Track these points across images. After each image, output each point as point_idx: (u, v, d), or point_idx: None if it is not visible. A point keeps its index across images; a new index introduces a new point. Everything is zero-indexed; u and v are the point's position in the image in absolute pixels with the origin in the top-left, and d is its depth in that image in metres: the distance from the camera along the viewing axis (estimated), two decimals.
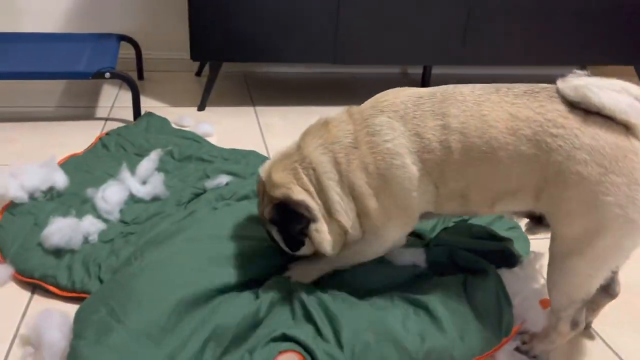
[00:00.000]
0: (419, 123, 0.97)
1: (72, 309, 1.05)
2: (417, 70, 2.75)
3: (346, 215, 1.02)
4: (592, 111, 0.89)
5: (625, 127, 0.88)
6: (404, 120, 0.98)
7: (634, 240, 0.91)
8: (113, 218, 1.31)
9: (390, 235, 1.06)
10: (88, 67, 1.94)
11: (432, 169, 0.97)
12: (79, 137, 1.83)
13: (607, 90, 0.88)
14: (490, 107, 0.94)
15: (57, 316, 0.97)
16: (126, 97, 2.15)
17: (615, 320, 1.15)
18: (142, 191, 1.38)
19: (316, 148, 1.02)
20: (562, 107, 0.91)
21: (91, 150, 1.70)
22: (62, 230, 1.19)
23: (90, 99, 2.22)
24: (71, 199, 1.38)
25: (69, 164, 1.57)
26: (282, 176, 1.03)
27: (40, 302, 1.08)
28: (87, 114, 2.08)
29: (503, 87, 0.97)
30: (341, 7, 2.06)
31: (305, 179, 1.02)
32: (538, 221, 1.05)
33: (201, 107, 2.17)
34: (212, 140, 1.86)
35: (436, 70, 2.68)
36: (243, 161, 1.66)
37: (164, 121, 1.94)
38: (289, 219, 1.03)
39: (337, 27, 2.08)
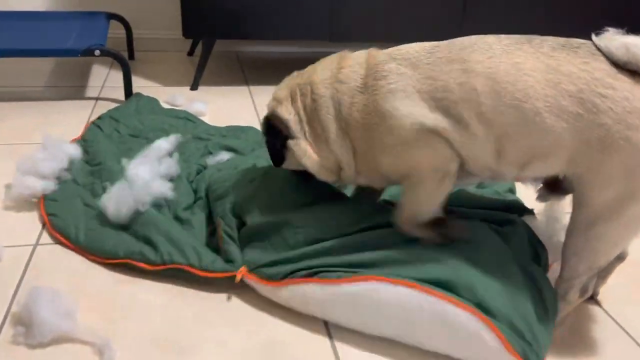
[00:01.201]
0: (433, 68, 0.93)
1: (64, 286, 1.02)
2: None
3: (341, 149, 1.01)
4: (638, 72, 0.84)
5: None
6: (414, 66, 0.95)
7: None
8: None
9: (429, 166, 0.97)
10: (77, 44, 1.89)
11: (450, 107, 0.91)
12: (69, 116, 1.79)
13: None
14: (524, 57, 0.89)
15: (47, 293, 0.94)
16: (117, 77, 2.10)
17: (624, 297, 1.12)
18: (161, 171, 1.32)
19: (323, 80, 1.02)
20: (607, 67, 0.85)
21: (88, 133, 1.63)
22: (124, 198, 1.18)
23: (80, 78, 2.17)
24: (98, 175, 1.35)
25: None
26: (280, 93, 1.08)
27: (32, 280, 1.05)
28: (77, 93, 2.03)
29: (535, 38, 0.91)
30: None
31: (299, 103, 1.05)
32: (553, 187, 1.01)
33: (194, 87, 2.13)
34: (205, 119, 1.82)
35: None
36: (242, 136, 1.62)
37: (154, 101, 1.89)
38: (271, 132, 1.09)
39: (332, 4, 2.04)
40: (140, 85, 2.10)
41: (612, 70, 0.85)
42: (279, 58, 2.61)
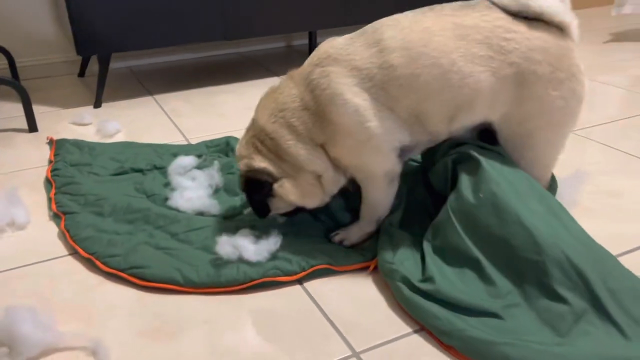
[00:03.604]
0: (354, 57, 1.01)
1: (33, 303, 1.00)
2: (303, 41, 2.83)
3: (316, 161, 1.07)
4: (529, 18, 0.99)
5: (559, 29, 0.99)
6: (338, 62, 1.02)
7: (570, 127, 1.06)
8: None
9: (376, 171, 1.08)
10: None
11: (378, 94, 1.00)
12: None
13: None
14: (431, 21, 0.99)
15: (23, 310, 0.92)
16: (7, 107, 2.02)
17: None
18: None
19: (268, 118, 1.07)
20: (505, 16, 0.99)
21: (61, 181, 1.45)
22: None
23: None
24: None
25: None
26: (244, 149, 1.11)
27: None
28: None
29: (436, 6, 1.03)
30: None
31: (264, 149, 1.08)
32: (487, 135, 1.11)
33: (97, 104, 2.08)
34: (122, 135, 1.81)
35: (322, 39, 2.77)
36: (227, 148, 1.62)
37: (87, 143, 1.69)
38: (255, 187, 1.10)
39: (223, 2, 2.09)
40: (40, 111, 2.03)
41: (509, 19, 0.99)
42: (174, 66, 2.61)
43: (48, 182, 1.47)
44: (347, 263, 1.10)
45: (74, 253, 1.18)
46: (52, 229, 1.28)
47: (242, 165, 1.11)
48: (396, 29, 1.00)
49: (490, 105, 1.03)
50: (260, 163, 1.08)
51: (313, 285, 1.06)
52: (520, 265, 0.95)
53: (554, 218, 0.99)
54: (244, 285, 1.05)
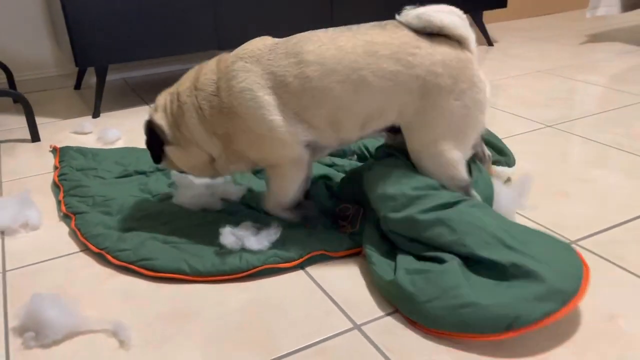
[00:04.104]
0: (273, 63, 1.08)
1: (56, 292, 1.07)
2: None
3: (210, 146, 1.16)
4: (433, 34, 1.08)
5: (458, 42, 1.08)
6: (259, 62, 1.09)
7: (476, 132, 1.14)
8: None
9: (281, 161, 1.15)
10: None
11: (290, 100, 1.08)
12: None
13: (442, 12, 1.07)
14: (346, 39, 1.08)
15: (47, 297, 0.99)
16: (8, 119, 2.09)
17: None
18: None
19: (185, 89, 1.16)
20: (411, 34, 1.08)
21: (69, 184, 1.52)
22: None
23: None
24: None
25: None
26: (161, 98, 1.21)
27: (19, 296, 1.08)
28: None
29: (354, 26, 1.11)
30: None
31: (169, 111, 1.18)
32: (394, 131, 1.18)
33: (96, 114, 2.15)
34: (123, 142, 1.88)
35: None
36: None
37: (86, 149, 1.77)
38: (148, 135, 1.22)
39: (215, 12, 2.18)
40: (41, 122, 2.10)
41: (415, 36, 1.07)
42: (168, 76, 2.69)
43: (56, 187, 1.54)
44: (341, 249, 1.18)
45: (85, 249, 1.25)
46: (64, 228, 1.35)
47: (151, 108, 1.22)
48: (315, 44, 1.08)
49: (399, 113, 1.11)
50: (160, 120, 1.18)
51: (312, 269, 1.14)
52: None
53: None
54: (247, 272, 1.12)
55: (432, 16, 1.06)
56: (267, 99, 1.08)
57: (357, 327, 0.97)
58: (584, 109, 2.00)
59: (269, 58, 1.09)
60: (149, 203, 1.40)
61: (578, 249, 1.15)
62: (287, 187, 1.21)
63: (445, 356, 0.90)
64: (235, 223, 1.23)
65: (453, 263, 0.99)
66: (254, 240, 1.17)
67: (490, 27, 3.50)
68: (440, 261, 1.02)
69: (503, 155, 1.44)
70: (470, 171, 1.20)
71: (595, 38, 3.11)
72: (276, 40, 1.15)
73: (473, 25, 3.25)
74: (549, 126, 1.85)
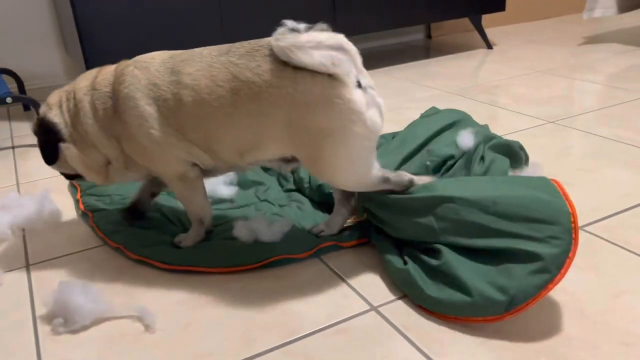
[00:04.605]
0: (159, 76, 1.07)
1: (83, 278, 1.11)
2: None
3: (107, 147, 1.14)
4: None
5: (329, 75, 0.97)
6: (147, 72, 1.08)
7: (365, 158, 1.06)
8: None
9: (166, 174, 1.16)
10: None
11: (169, 115, 1.07)
12: None
13: (305, 48, 0.96)
14: (219, 69, 1.03)
15: (74, 285, 1.03)
16: (20, 126, 2.13)
17: None
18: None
19: (82, 88, 1.14)
20: (274, 67, 0.99)
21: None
22: None
23: None
24: None
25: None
26: (54, 96, 1.18)
27: (44, 287, 1.12)
28: None
29: (233, 46, 1.05)
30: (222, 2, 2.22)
31: (65, 107, 1.15)
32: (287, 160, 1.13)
33: None
34: None
35: None
36: None
37: None
38: (42, 133, 1.17)
39: (222, 19, 2.23)
40: None
41: (277, 71, 0.99)
42: None
43: (73, 187, 1.58)
44: (351, 239, 1.22)
45: (104, 244, 1.29)
46: (82, 225, 1.38)
47: (42, 106, 1.18)
48: (195, 67, 1.05)
49: (279, 147, 1.06)
50: (55, 118, 1.15)
51: (327, 257, 1.18)
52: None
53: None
54: (262, 263, 1.15)
55: (292, 53, 0.96)
56: (149, 109, 1.07)
57: (374, 308, 1.01)
58: (583, 105, 2.05)
59: (158, 69, 1.08)
60: (164, 201, 1.43)
61: (585, 234, 1.19)
62: (187, 201, 1.20)
63: (459, 332, 0.94)
64: (247, 218, 1.27)
65: (450, 252, 1.03)
66: (266, 232, 1.21)
67: (489, 32, 3.56)
68: (438, 252, 1.05)
69: (517, 160, 1.41)
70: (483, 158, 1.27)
71: (593, 40, 3.16)
72: (173, 52, 1.12)
73: (473, 30, 3.32)
74: (551, 122, 1.89)
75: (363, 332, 0.95)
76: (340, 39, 0.99)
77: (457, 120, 1.47)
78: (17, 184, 1.66)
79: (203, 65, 1.05)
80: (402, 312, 1.00)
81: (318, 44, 0.96)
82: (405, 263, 1.07)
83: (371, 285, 1.08)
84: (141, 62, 1.11)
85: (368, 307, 1.01)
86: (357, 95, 0.99)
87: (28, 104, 1.96)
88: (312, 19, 2.43)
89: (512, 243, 0.97)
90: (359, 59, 1.02)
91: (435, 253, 1.05)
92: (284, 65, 0.99)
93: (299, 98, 0.99)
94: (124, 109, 1.09)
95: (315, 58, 0.96)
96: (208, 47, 1.09)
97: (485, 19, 3.57)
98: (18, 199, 1.41)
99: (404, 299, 1.03)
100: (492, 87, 2.37)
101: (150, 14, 2.11)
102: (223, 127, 1.05)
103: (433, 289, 0.99)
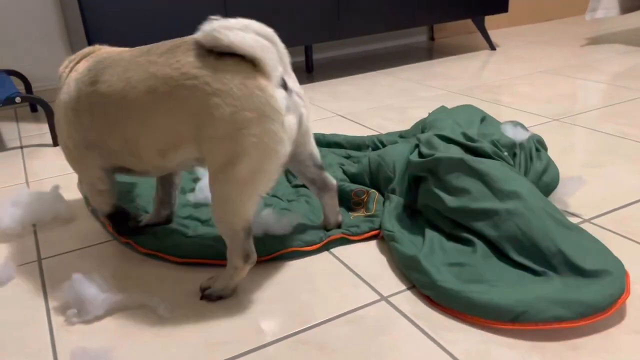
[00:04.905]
0: (82, 79, 1.08)
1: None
2: (300, 58, 2.99)
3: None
4: (225, 54, 0.93)
5: (252, 65, 0.93)
6: (75, 84, 1.09)
7: (273, 164, 0.96)
8: None
9: (84, 180, 1.20)
10: None
11: (84, 115, 1.07)
12: (4, 166, 1.82)
13: (234, 29, 0.92)
14: (135, 70, 1.00)
15: (87, 276, 1.03)
16: (28, 126, 2.15)
17: None
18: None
19: (70, 62, 1.17)
20: (195, 59, 0.94)
21: None
22: None
23: None
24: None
25: None
26: (63, 65, 1.19)
27: (56, 281, 1.12)
28: None
29: (154, 46, 1.02)
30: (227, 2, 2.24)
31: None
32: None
33: None
34: None
35: (317, 55, 2.94)
36: None
37: None
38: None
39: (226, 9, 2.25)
40: None
41: (198, 62, 0.94)
42: None
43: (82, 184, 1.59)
44: (360, 232, 1.23)
45: (114, 239, 1.30)
46: (93, 221, 1.40)
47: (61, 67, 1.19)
48: (112, 73, 1.03)
49: (197, 147, 0.99)
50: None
51: (336, 250, 1.19)
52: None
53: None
54: (272, 255, 1.16)
55: (220, 33, 0.92)
56: (66, 113, 1.10)
57: (384, 298, 1.02)
58: (587, 103, 2.06)
59: (83, 80, 1.07)
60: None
61: (593, 227, 1.20)
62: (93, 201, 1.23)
63: (470, 324, 0.95)
64: (257, 211, 1.28)
65: (480, 246, 1.05)
66: (276, 225, 1.22)
67: (492, 33, 3.58)
68: (469, 243, 1.08)
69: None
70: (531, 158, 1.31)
71: (595, 40, 3.18)
72: (105, 57, 1.08)
73: (476, 32, 3.34)
74: (555, 120, 1.90)
75: (374, 321, 0.96)
76: (271, 31, 0.96)
77: (484, 116, 1.50)
78: (27, 182, 1.68)
79: (120, 69, 1.02)
80: (413, 301, 1.00)
81: (246, 27, 0.93)
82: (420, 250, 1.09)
83: (381, 276, 1.09)
84: (75, 71, 1.11)
85: (378, 297, 1.02)
86: (279, 94, 0.94)
87: (36, 104, 1.97)
88: (316, 21, 2.46)
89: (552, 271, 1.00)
90: (287, 59, 0.99)
91: (467, 242, 1.08)
92: (206, 55, 0.94)
93: (216, 87, 0.92)
94: (57, 114, 1.14)
95: (244, 38, 0.92)
96: (135, 48, 1.06)
97: (488, 20, 3.59)
98: (29, 195, 1.42)
99: (413, 289, 1.04)
100: (495, 86, 2.38)
101: (158, 14, 2.13)
102: (140, 128, 1.01)
103: (444, 282, 0.99)
